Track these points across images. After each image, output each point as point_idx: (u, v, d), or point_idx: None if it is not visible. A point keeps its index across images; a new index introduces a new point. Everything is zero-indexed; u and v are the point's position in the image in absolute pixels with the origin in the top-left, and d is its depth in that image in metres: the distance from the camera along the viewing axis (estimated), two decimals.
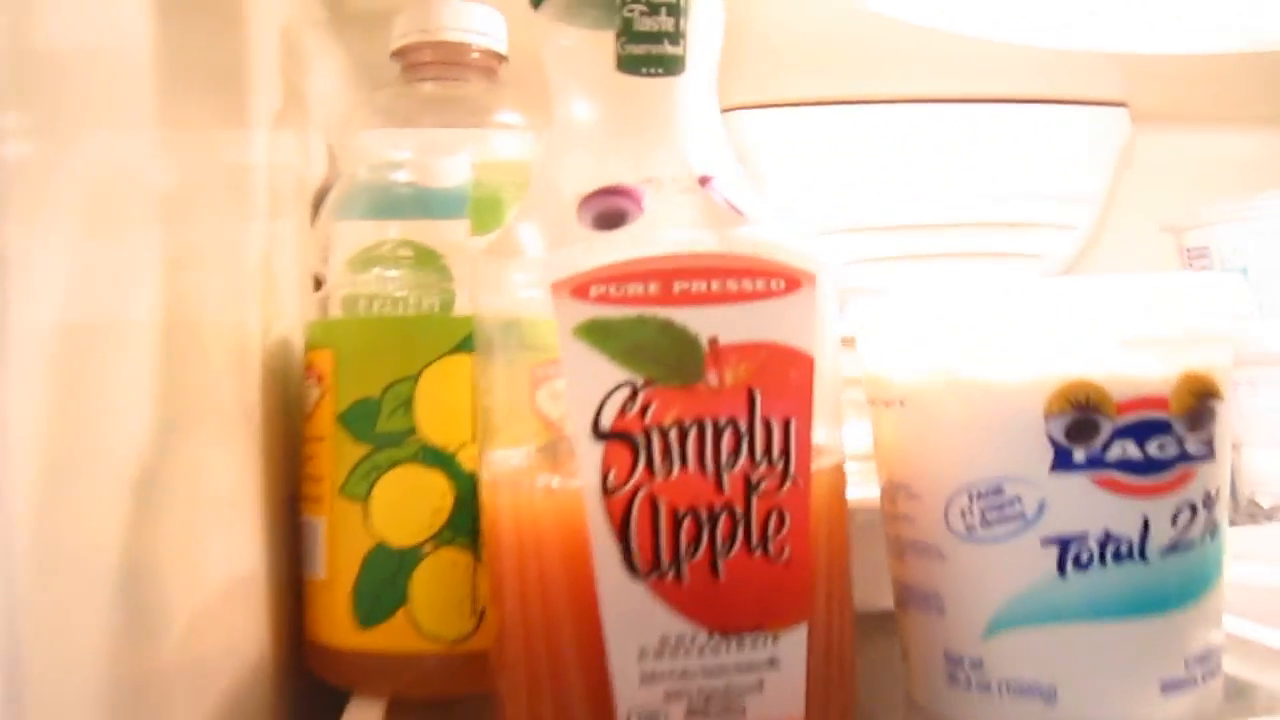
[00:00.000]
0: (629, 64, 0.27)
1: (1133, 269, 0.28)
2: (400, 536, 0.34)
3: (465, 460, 0.33)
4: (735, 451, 0.25)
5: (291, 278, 0.38)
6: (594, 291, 0.25)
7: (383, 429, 0.34)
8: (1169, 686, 0.27)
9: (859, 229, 0.61)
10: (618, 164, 0.27)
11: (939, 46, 0.49)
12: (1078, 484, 0.27)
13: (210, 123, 0.31)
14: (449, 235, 0.36)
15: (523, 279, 0.26)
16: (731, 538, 0.25)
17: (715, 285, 0.25)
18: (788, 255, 0.26)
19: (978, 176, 0.61)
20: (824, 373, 0.27)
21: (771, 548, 0.25)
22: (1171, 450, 0.27)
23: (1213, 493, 0.28)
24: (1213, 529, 0.28)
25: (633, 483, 0.25)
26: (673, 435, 0.25)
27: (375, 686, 0.34)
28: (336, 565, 0.35)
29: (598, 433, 0.25)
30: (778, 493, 0.26)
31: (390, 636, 0.33)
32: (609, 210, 0.26)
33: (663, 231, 0.26)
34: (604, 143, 0.28)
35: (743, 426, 0.25)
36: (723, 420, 0.25)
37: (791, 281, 0.26)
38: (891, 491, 0.31)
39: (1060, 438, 0.27)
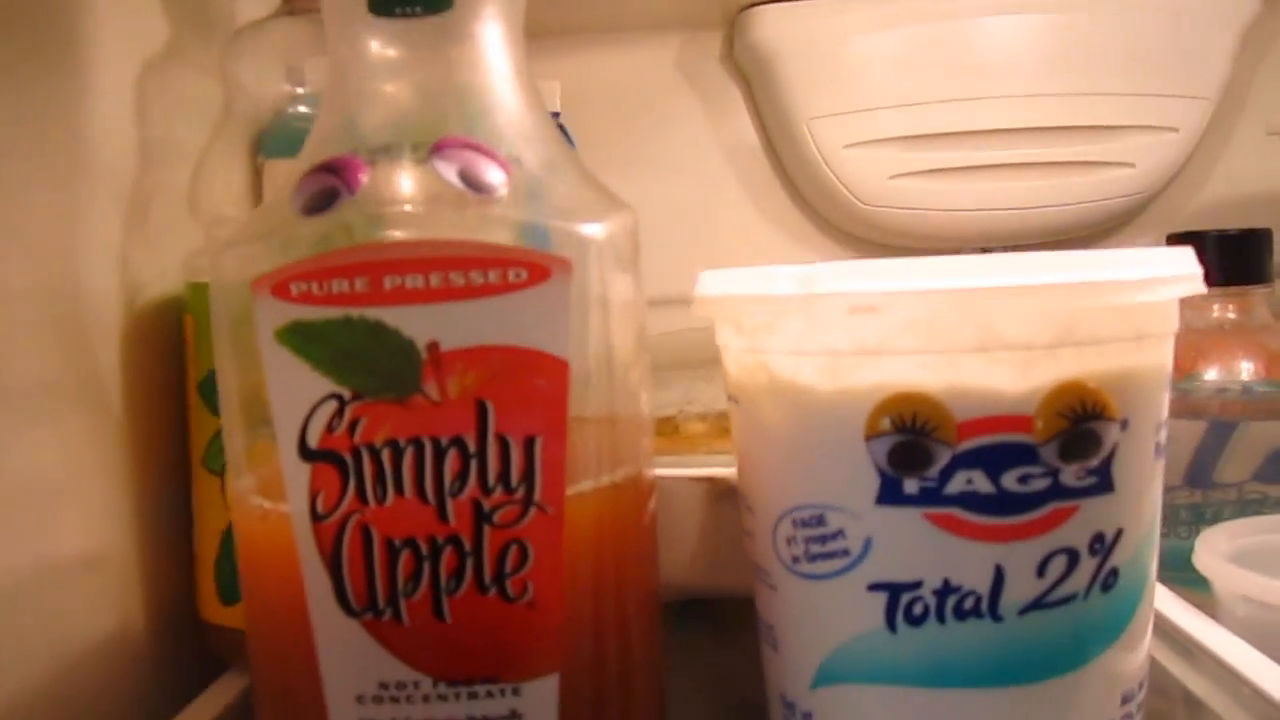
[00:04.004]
0: (378, 2, 0.23)
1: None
2: None
3: None
4: (461, 475, 0.21)
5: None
6: (295, 289, 0.21)
7: None
8: None
9: (910, 137, 0.53)
10: (358, 130, 0.23)
11: None
12: (908, 521, 0.21)
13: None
14: None
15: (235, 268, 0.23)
16: (458, 574, 0.22)
17: (435, 279, 0.21)
18: (533, 237, 0.21)
19: (1054, 70, 0.51)
20: (595, 377, 0.22)
21: (510, 587, 0.22)
22: (1038, 483, 0.21)
23: (1109, 535, 0.22)
24: (1108, 580, 0.22)
25: (342, 509, 0.22)
26: (385, 456, 0.21)
27: (243, 661, 0.33)
28: (202, 539, 0.34)
29: (304, 452, 0.22)
30: (517, 523, 0.22)
31: None
32: (316, 190, 0.22)
33: (370, 213, 0.21)
34: (353, 102, 0.24)
35: (471, 446, 0.21)
36: (445, 439, 0.21)
37: (537, 271, 0.21)
38: (739, 501, 0.26)
39: (885, 464, 0.21)
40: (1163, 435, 0.23)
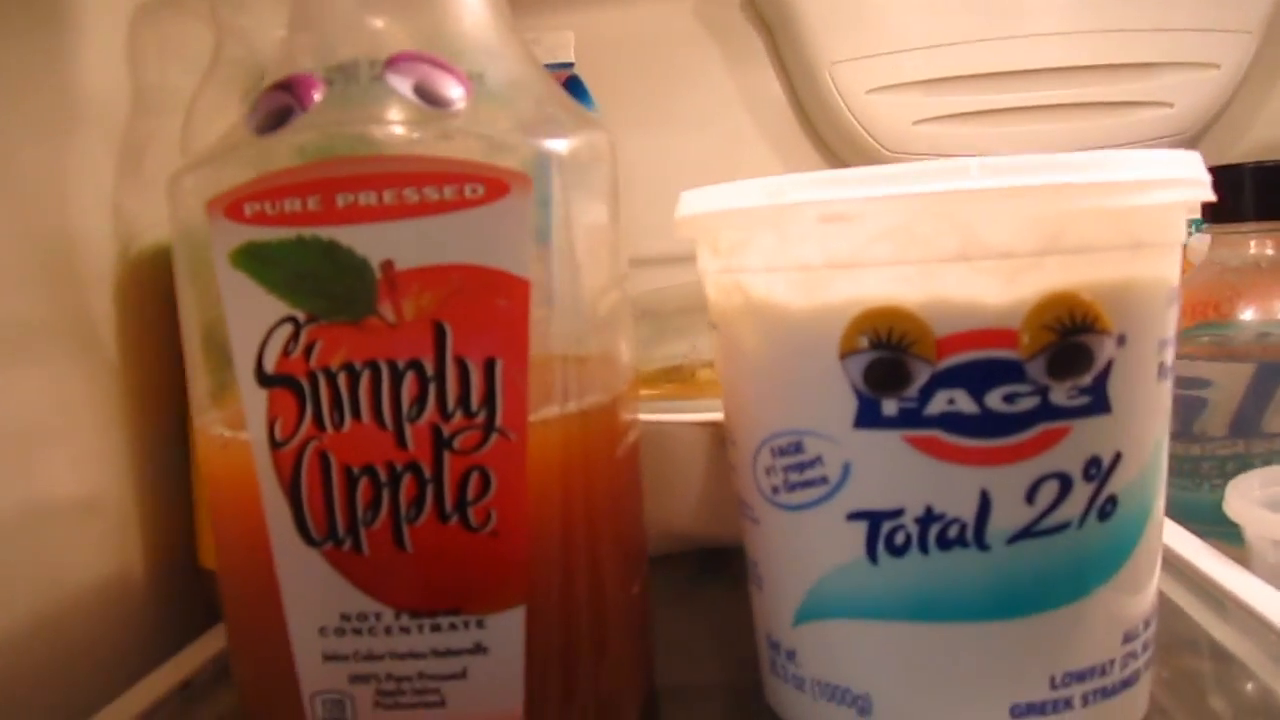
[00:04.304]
0: None
1: None
2: None
3: None
4: (419, 400, 0.21)
5: None
6: (249, 210, 0.21)
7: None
8: (1025, 711, 0.21)
9: (935, 79, 0.51)
10: (317, 49, 0.22)
11: None
12: (887, 444, 0.20)
13: None
14: None
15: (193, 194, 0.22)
16: (418, 503, 0.21)
17: (388, 196, 0.20)
18: (491, 151, 0.21)
19: (1084, 5, 0.49)
20: (559, 300, 0.21)
21: (472, 516, 0.21)
22: (1025, 403, 0.20)
23: (1105, 459, 0.20)
24: (1106, 508, 0.20)
25: (300, 435, 0.21)
26: (341, 380, 0.21)
27: None
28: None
29: (261, 377, 0.21)
30: (478, 449, 0.21)
31: None
32: (269, 109, 0.21)
33: (322, 130, 0.21)
34: (313, 23, 0.23)
35: (428, 369, 0.21)
36: (402, 362, 0.21)
37: (494, 186, 0.20)
38: (727, 436, 0.25)
39: (861, 384, 0.20)
40: (1168, 355, 0.21)
